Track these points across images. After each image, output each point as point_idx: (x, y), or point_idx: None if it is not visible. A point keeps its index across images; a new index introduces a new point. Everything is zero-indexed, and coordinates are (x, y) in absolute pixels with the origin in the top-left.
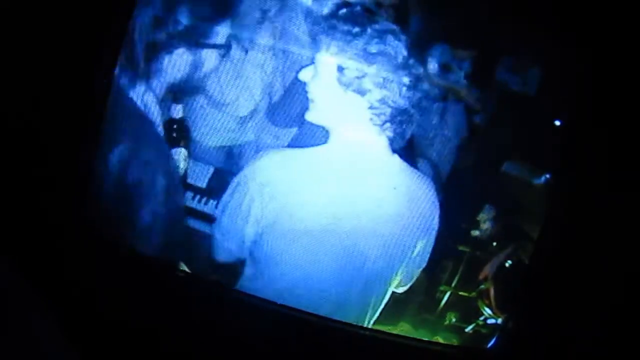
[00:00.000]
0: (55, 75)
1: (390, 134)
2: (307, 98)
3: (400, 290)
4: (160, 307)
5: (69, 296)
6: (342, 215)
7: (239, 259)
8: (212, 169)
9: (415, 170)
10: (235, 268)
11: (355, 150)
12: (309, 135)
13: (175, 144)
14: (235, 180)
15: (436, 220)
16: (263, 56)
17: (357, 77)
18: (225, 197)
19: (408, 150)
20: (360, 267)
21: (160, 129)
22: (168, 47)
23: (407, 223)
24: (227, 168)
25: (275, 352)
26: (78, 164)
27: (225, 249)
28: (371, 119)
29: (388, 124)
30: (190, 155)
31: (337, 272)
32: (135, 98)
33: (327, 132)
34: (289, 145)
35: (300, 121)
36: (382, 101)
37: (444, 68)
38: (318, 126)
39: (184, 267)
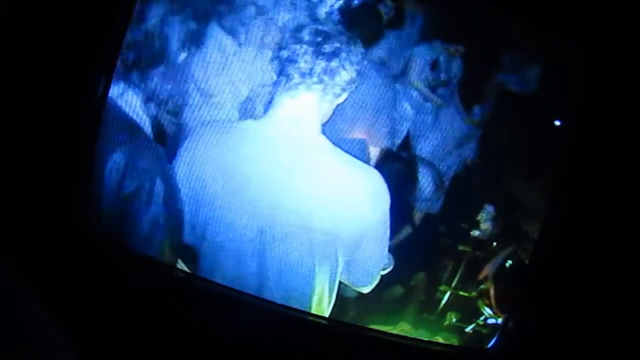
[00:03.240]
0: (55, 77)
1: (322, 110)
2: None
3: (364, 290)
4: (159, 307)
5: (69, 296)
6: (254, 187)
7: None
8: None
9: (352, 158)
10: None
11: (280, 126)
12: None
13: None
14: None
15: (376, 215)
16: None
17: (283, 56)
18: None
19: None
20: (268, 244)
21: (150, 132)
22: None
23: (323, 209)
24: None
25: (276, 352)
26: (77, 165)
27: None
28: (300, 93)
29: (319, 97)
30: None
31: (247, 246)
32: (123, 104)
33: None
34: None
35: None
36: (311, 74)
37: (433, 65)
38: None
39: (184, 267)
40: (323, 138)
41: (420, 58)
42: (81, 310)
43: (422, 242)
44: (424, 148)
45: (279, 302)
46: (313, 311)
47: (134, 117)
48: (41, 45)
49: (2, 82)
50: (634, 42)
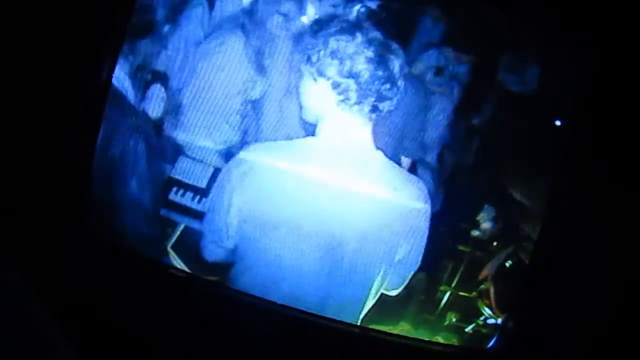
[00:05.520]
0: (53, 71)
1: (367, 115)
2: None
3: (393, 293)
4: (159, 307)
5: (69, 296)
6: (321, 206)
7: (226, 255)
8: (212, 170)
9: (403, 171)
10: (225, 266)
11: (340, 143)
12: (299, 129)
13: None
14: (220, 174)
15: (424, 224)
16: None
17: (317, 57)
18: (212, 191)
19: (397, 150)
20: (338, 261)
21: (130, 92)
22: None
23: (386, 222)
24: None
25: (275, 352)
26: (77, 165)
27: (212, 243)
28: (342, 101)
29: (359, 105)
30: (167, 92)
31: (314, 265)
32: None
33: (315, 126)
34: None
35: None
36: (342, 74)
37: (438, 71)
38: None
39: (184, 267)
40: (380, 152)
41: (426, 63)
42: (81, 310)
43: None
44: (424, 148)
45: (333, 312)
46: (361, 316)
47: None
48: (41, 46)
49: (3, 82)
50: (634, 42)
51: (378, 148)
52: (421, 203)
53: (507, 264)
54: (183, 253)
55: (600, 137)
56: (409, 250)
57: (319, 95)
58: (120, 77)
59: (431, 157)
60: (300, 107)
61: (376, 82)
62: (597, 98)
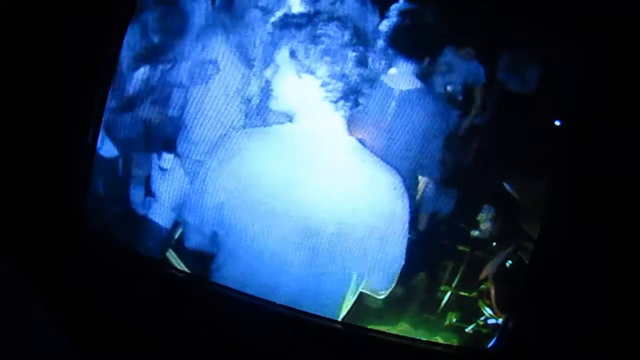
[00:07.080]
0: (55, 78)
1: (346, 113)
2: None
3: (383, 294)
4: (159, 307)
5: (69, 296)
6: (296, 191)
7: (205, 243)
8: None
9: (379, 160)
10: (207, 257)
11: (313, 130)
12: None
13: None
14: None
15: (399, 215)
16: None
17: (306, 58)
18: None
19: (376, 141)
20: (315, 249)
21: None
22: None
23: (358, 210)
24: None
25: (274, 352)
26: (78, 165)
27: (191, 228)
28: (326, 97)
29: (342, 101)
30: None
31: (290, 252)
32: None
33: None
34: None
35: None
36: (332, 76)
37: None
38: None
39: (184, 267)
40: (353, 140)
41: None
42: (81, 310)
43: (422, 243)
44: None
45: (313, 309)
46: (341, 315)
47: None
48: (41, 47)
49: (3, 83)
50: (633, 43)
51: (351, 135)
52: (395, 193)
53: (507, 264)
54: (182, 253)
55: (600, 137)
56: (391, 245)
57: (300, 89)
58: None
59: (433, 158)
60: (270, 96)
61: (362, 83)
62: (597, 98)
